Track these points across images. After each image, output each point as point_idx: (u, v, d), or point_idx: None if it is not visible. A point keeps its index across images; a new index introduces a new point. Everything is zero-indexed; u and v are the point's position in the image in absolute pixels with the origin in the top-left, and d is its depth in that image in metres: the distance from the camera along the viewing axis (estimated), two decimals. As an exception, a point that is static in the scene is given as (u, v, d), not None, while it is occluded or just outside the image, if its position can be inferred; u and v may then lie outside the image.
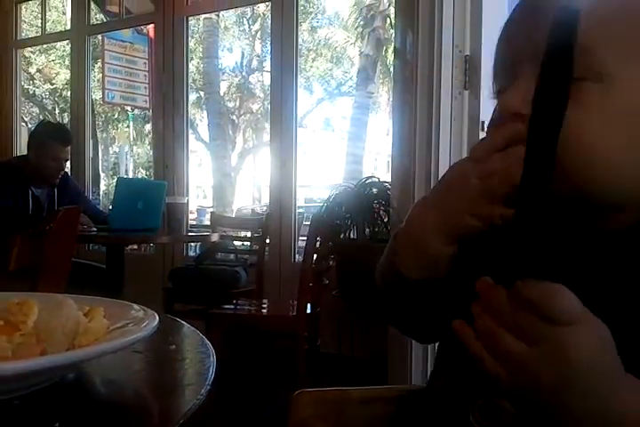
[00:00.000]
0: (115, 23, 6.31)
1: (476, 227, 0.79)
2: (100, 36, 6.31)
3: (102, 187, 11.56)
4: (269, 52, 5.26)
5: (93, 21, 6.51)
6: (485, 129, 2.79)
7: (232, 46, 16.72)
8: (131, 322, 0.80)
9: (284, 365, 3.50)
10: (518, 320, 0.61)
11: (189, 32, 5.70)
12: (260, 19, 15.64)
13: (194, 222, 9.30)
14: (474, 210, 0.78)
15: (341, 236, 4.03)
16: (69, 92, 6.70)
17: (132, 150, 14.06)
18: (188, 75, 5.63)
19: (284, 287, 4.55)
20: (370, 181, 4.39)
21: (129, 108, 9.91)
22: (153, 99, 6.05)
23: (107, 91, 6.18)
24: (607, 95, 0.76)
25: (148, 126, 13.16)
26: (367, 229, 4.08)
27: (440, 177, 0.88)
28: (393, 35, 3.59)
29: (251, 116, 17.20)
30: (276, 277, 4.67)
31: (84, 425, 0.62)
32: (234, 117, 16.72)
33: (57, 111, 14.33)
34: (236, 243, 5.15)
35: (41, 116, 13.74)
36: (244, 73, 16.66)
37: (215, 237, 4.17)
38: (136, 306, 0.87)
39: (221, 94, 15.52)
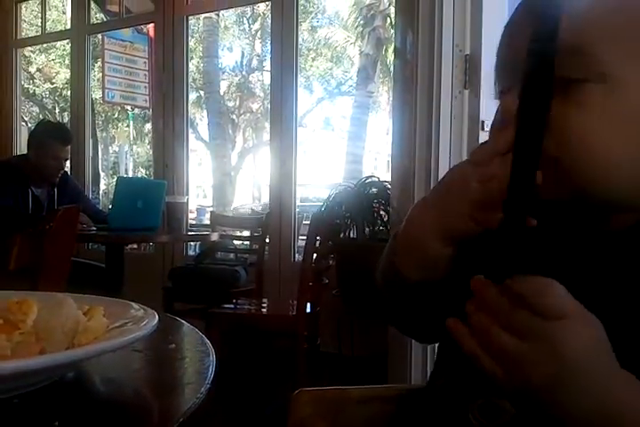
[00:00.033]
0: (115, 22, 6.31)
1: (475, 230, 0.79)
2: (100, 36, 6.30)
3: (102, 186, 11.56)
4: (269, 51, 5.26)
5: (93, 21, 6.51)
6: (486, 129, 2.79)
7: (232, 46, 16.74)
8: (130, 321, 0.80)
9: (283, 364, 3.50)
10: (511, 316, 0.61)
11: (189, 31, 5.70)
12: (260, 18, 15.65)
13: (194, 222, 9.30)
14: (473, 213, 0.78)
15: (341, 235, 4.03)
16: (69, 92, 6.70)
17: (131, 150, 14.07)
18: (187, 74, 5.62)
19: (284, 287, 4.55)
20: (370, 180, 4.39)
21: (129, 108, 9.92)
22: (153, 98, 6.05)
23: (107, 90, 6.18)
24: (609, 96, 0.76)
25: (148, 126, 13.16)
26: (367, 229, 4.08)
27: (440, 177, 0.88)
28: (393, 34, 3.59)
29: (251, 115, 17.20)
30: (275, 277, 4.67)
31: (83, 424, 0.62)
32: (234, 117, 16.72)
33: (57, 110, 14.33)
34: (236, 242, 5.15)
35: (41, 116, 13.74)
36: (243, 72, 16.67)
37: (215, 237, 4.17)
38: (135, 305, 0.87)
39: (221, 94, 15.52)
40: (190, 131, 6.03)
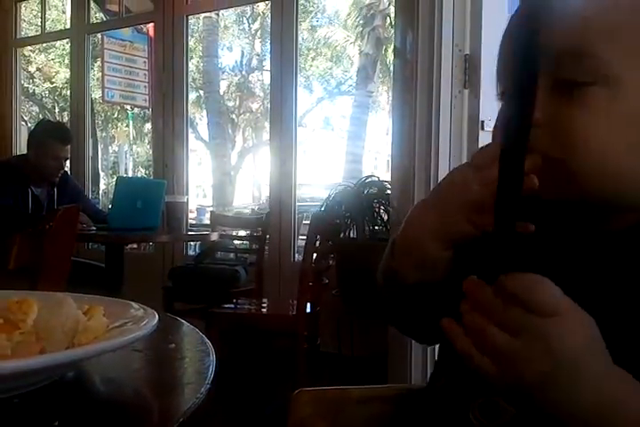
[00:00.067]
0: (114, 22, 6.31)
1: (473, 233, 0.79)
2: (99, 35, 6.30)
3: (102, 186, 11.56)
4: (269, 51, 5.26)
5: (93, 20, 6.51)
6: (486, 128, 2.79)
7: (232, 45, 16.72)
8: (130, 321, 0.80)
9: (283, 364, 3.50)
10: (504, 314, 0.61)
11: (189, 31, 5.70)
12: (259, 18, 15.63)
13: (193, 221, 9.29)
14: (471, 217, 0.78)
15: (341, 235, 4.03)
16: (69, 91, 6.69)
17: (131, 149, 14.06)
18: (187, 74, 5.62)
19: (284, 286, 4.55)
20: (369, 180, 4.40)
21: (128, 107, 9.92)
22: (153, 98, 6.05)
23: (106, 90, 6.18)
24: (614, 99, 0.76)
25: (148, 125, 13.15)
26: (367, 229, 4.08)
27: (440, 178, 0.88)
28: (393, 34, 3.59)
29: (250, 115, 17.19)
30: (275, 277, 4.67)
31: (83, 424, 0.62)
32: (233, 116, 16.71)
33: (57, 110, 14.32)
34: (236, 242, 5.15)
35: (41, 115, 13.73)
36: (243, 72, 16.66)
37: (215, 237, 4.17)
38: (135, 305, 0.87)
39: (221, 93, 15.52)
40: (190, 130, 6.03)
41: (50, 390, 0.68)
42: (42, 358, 0.64)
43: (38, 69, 14.03)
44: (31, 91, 13.89)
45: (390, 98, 8.96)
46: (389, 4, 12.32)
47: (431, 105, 2.83)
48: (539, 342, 0.60)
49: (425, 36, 2.83)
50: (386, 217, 4.11)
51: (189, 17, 5.66)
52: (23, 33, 7.17)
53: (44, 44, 10.39)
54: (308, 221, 3.57)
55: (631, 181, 0.78)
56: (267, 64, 12.56)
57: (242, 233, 5.07)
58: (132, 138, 13.80)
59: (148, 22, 5.99)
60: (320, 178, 13.36)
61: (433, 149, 2.82)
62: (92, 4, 6.41)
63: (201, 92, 14.53)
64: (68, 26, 6.96)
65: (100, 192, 10.81)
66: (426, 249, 0.84)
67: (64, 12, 10.43)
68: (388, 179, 3.67)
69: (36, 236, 2.57)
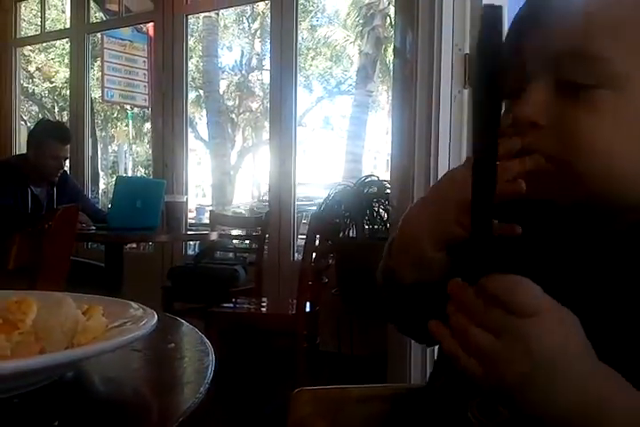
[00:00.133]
0: (114, 21, 6.32)
1: (461, 235, 0.79)
2: (99, 35, 6.30)
3: (101, 185, 11.54)
4: (269, 50, 5.26)
5: (93, 20, 6.51)
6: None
7: (231, 45, 16.71)
8: (129, 320, 0.80)
9: (283, 363, 3.50)
10: (486, 315, 0.62)
11: (189, 30, 5.70)
12: (259, 17, 15.63)
13: (193, 221, 9.29)
14: (459, 218, 0.78)
15: (341, 234, 4.03)
16: (69, 91, 6.69)
17: (131, 149, 14.05)
18: (187, 73, 5.62)
19: (284, 286, 4.55)
20: (369, 179, 4.40)
21: (128, 107, 9.91)
22: (152, 97, 6.05)
23: (106, 89, 6.18)
24: (621, 101, 0.76)
25: (148, 125, 13.15)
26: (366, 228, 4.09)
27: (439, 177, 0.88)
28: (392, 33, 3.59)
29: (250, 114, 17.18)
30: (275, 276, 4.67)
31: (83, 423, 0.62)
32: (233, 116, 16.71)
33: (56, 110, 14.31)
34: (235, 241, 5.15)
35: (40, 115, 13.72)
36: (243, 71, 16.65)
37: (214, 236, 4.17)
38: (135, 304, 0.87)
39: (221, 93, 15.51)
40: (190, 130, 6.03)
41: (49, 390, 0.68)
42: (41, 359, 0.64)
43: (38, 69, 14.02)
44: (31, 90, 13.88)
45: (390, 97, 8.97)
46: (389, 4, 12.32)
47: (431, 104, 2.83)
48: (518, 342, 0.60)
49: (425, 35, 2.83)
50: (385, 216, 4.12)
51: (189, 16, 5.67)
52: (23, 32, 7.17)
53: (44, 44, 10.39)
54: (308, 221, 3.56)
55: (637, 182, 0.78)
56: (266, 63, 12.55)
57: (241, 232, 5.08)
58: (131, 137, 13.80)
59: (148, 22, 5.99)
60: (320, 177, 13.36)
61: (432, 148, 2.82)
62: (92, 4, 6.41)
63: (201, 91, 14.52)
64: (67, 25, 6.96)
65: (100, 192, 10.79)
66: (421, 249, 0.84)
67: (64, 12, 10.42)
68: (388, 178, 3.68)
69: (35, 235, 2.57)
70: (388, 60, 13.33)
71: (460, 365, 0.63)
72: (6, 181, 4.08)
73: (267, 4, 5.49)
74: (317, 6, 15.94)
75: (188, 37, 5.72)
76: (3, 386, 0.63)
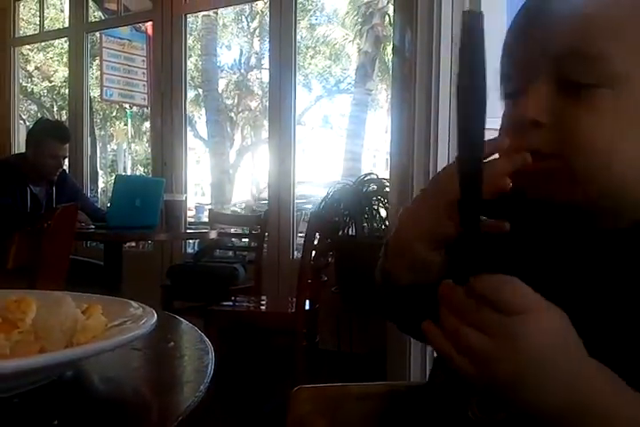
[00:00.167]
0: (113, 21, 6.31)
1: (452, 233, 0.79)
2: (98, 34, 6.30)
3: (100, 184, 11.51)
4: (268, 49, 5.26)
5: (91, 19, 6.51)
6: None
7: (230, 44, 16.68)
8: (129, 319, 0.80)
9: (282, 361, 3.50)
10: (476, 314, 0.62)
11: (188, 29, 5.69)
12: (258, 16, 15.60)
13: (192, 220, 9.29)
14: (452, 215, 0.78)
15: (340, 232, 4.03)
16: (67, 90, 6.69)
17: (130, 148, 14.03)
18: (186, 72, 5.62)
19: (283, 284, 4.55)
20: (368, 178, 4.40)
21: (127, 106, 9.89)
22: (151, 96, 6.04)
23: (105, 88, 6.18)
24: (621, 100, 0.76)
25: (147, 124, 13.12)
26: (366, 226, 4.09)
27: (429, 182, 0.88)
28: (392, 32, 3.59)
29: (249, 113, 17.16)
30: (274, 274, 4.67)
31: (82, 423, 0.62)
32: (232, 115, 16.68)
33: (55, 109, 14.30)
34: (235, 240, 5.14)
35: (39, 114, 13.71)
36: (242, 70, 16.62)
37: (213, 235, 4.16)
38: (134, 303, 0.87)
39: (220, 92, 15.49)
40: (189, 129, 6.03)
41: (49, 390, 0.68)
42: (41, 358, 0.64)
43: (37, 68, 14.00)
44: (30, 89, 13.86)
45: (389, 96, 8.97)
46: (388, 3, 12.31)
47: (430, 103, 2.83)
48: (507, 341, 0.61)
49: (424, 34, 2.83)
50: (385, 215, 4.12)
51: (188, 15, 5.66)
52: (21, 32, 7.16)
53: (43, 43, 10.38)
54: (307, 219, 3.56)
55: (636, 181, 0.78)
56: (265, 62, 12.54)
57: (240, 231, 5.07)
58: (130, 136, 13.77)
59: (147, 21, 5.98)
60: (319, 176, 13.35)
61: (432, 147, 2.82)
62: (91, 3, 6.41)
63: (200, 90, 14.51)
64: (66, 24, 6.95)
65: (99, 190, 10.78)
66: (414, 249, 0.84)
67: (62, 11, 10.40)
68: (387, 176, 3.68)
69: (34, 235, 2.57)
70: (387, 58, 13.30)
71: (453, 365, 0.64)
72: (5, 180, 4.08)
73: (265, 3, 5.49)
74: (316, 5, 15.92)
75: (187, 36, 5.71)
76: (3, 385, 0.63)
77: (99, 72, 6.26)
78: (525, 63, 0.81)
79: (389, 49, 11.31)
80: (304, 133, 15.23)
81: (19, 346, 0.67)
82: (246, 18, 16.15)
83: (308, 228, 3.28)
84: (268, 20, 5.39)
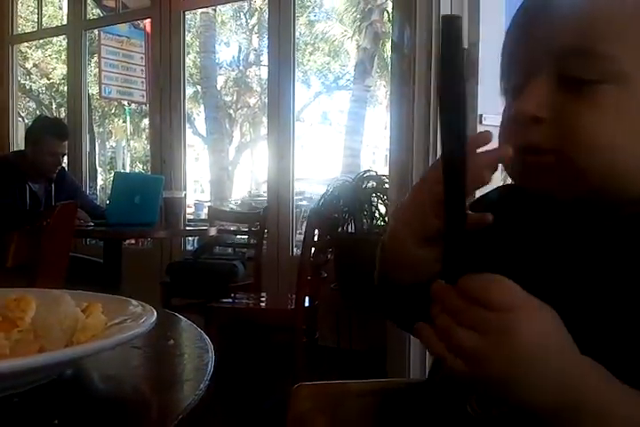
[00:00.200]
0: (111, 18, 6.30)
1: (439, 229, 0.79)
2: (96, 31, 6.30)
3: (99, 181, 11.50)
4: (267, 46, 5.25)
5: (90, 16, 6.50)
6: (484, 122, 2.78)
7: (229, 40, 16.66)
8: (129, 318, 0.80)
9: (282, 358, 3.50)
10: (467, 313, 0.62)
11: (186, 26, 5.68)
12: (257, 13, 15.58)
13: (191, 217, 9.28)
14: (437, 214, 0.77)
15: (339, 229, 4.03)
16: (66, 87, 6.69)
17: (129, 145, 14.02)
18: (184, 69, 5.61)
19: (283, 281, 4.56)
20: (367, 174, 4.40)
21: (126, 103, 9.89)
22: (150, 93, 6.04)
23: (103, 85, 6.18)
24: (623, 96, 0.76)
25: (145, 121, 13.09)
26: (365, 223, 4.09)
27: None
28: (390, 28, 3.59)
29: (248, 110, 17.15)
30: (274, 271, 4.68)
31: (83, 422, 0.62)
32: (231, 111, 16.67)
33: (54, 106, 14.29)
34: (234, 237, 5.14)
35: (38, 112, 13.70)
36: (241, 67, 16.61)
37: (213, 231, 4.17)
38: (134, 302, 0.87)
39: (218, 88, 15.48)
40: (187, 126, 6.03)
41: (49, 389, 0.68)
42: (42, 357, 0.64)
43: (35, 66, 13.99)
44: (28, 87, 13.84)
45: (388, 92, 8.96)
46: (387, -1, 12.31)
47: (429, 99, 2.83)
48: (498, 338, 0.61)
49: (422, 30, 2.83)
50: (384, 211, 4.12)
51: (186, 12, 5.65)
52: (20, 29, 7.14)
53: (41, 41, 10.35)
54: (307, 216, 3.56)
55: (638, 176, 0.78)
56: (264, 59, 12.53)
57: (240, 228, 5.07)
58: (129, 133, 13.76)
59: (145, 18, 5.98)
60: (318, 173, 13.34)
61: (431, 143, 2.82)
62: (89, 0, 6.40)
63: (198, 87, 14.49)
64: (64, 22, 6.95)
65: (98, 188, 10.78)
66: (407, 248, 0.83)
67: (60, 8, 10.41)
68: (386, 173, 3.68)
69: (33, 233, 2.56)
70: (386, 55, 13.29)
71: (447, 365, 0.64)
72: (4, 178, 4.08)
73: (264, 0, 5.48)
74: (315, 1, 15.90)
75: (186, 33, 5.71)
76: (2, 385, 0.63)
77: (97, 69, 6.26)
78: (526, 61, 0.81)
79: (388, 45, 11.29)
80: (303, 130, 15.22)
81: (18, 345, 0.67)
82: (245, 15, 16.13)
83: (307, 224, 3.28)
84: (266, 16, 5.39)
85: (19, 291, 0.85)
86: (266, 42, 5.54)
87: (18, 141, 6.43)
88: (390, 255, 0.89)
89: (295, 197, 5.20)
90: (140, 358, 0.87)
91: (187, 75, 5.76)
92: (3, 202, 3.92)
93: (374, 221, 4.12)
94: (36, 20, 7.18)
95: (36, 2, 7.00)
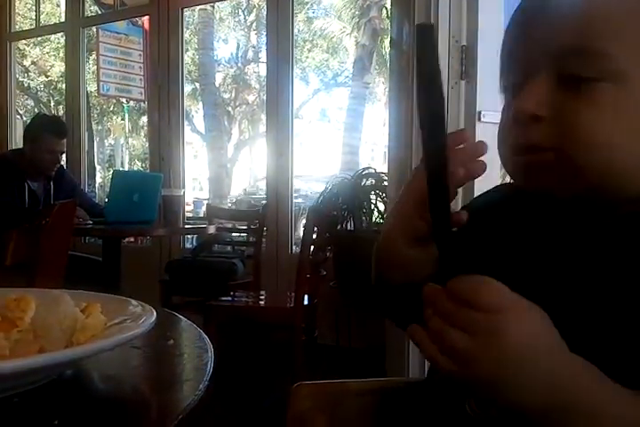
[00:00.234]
0: (109, 15, 6.29)
1: (425, 230, 0.79)
2: (94, 28, 6.29)
3: (98, 179, 11.51)
4: (265, 42, 5.25)
5: (88, 13, 6.49)
6: (482, 120, 2.78)
7: (227, 37, 16.64)
8: (128, 318, 0.80)
9: (281, 356, 3.50)
10: (457, 316, 0.62)
11: (184, 23, 5.68)
12: (255, 9, 15.57)
13: (190, 214, 9.28)
14: (423, 214, 0.77)
15: (338, 227, 4.03)
16: (64, 85, 6.69)
17: (127, 143, 14.01)
18: (183, 66, 5.61)
19: (282, 279, 4.56)
20: (366, 171, 4.40)
21: (124, 100, 9.88)
22: (148, 91, 6.04)
23: (102, 83, 6.17)
24: (622, 94, 0.76)
25: (144, 118, 13.08)
26: (364, 220, 4.08)
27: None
28: (389, 25, 3.59)
29: (246, 107, 17.14)
30: (273, 269, 4.67)
31: (83, 422, 0.62)
32: (229, 109, 16.66)
33: (52, 104, 14.28)
34: (233, 234, 5.14)
35: (36, 109, 13.70)
36: (239, 64, 16.60)
37: (212, 229, 4.17)
38: (134, 302, 0.87)
39: (217, 86, 15.47)
40: (186, 123, 6.03)
41: (49, 389, 0.68)
42: (41, 358, 0.64)
43: (33, 63, 13.98)
44: (26, 85, 13.83)
45: (387, 89, 8.96)
46: (385, -5, 12.29)
47: (428, 96, 2.82)
48: (486, 340, 0.61)
49: (421, 27, 2.82)
50: (383, 209, 4.11)
51: (184, 9, 5.65)
52: (18, 27, 7.14)
53: (39, 38, 10.36)
54: (305, 213, 3.56)
55: (636, 175, 0.78)
56: (263, 56, 12.53)
57: (239, 226, 5.07)
58: (127, 131, 13.76)
59: (143, 15, 5.98)
60: (317, 170, 13.34)
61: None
62: (87, -3, 6.39)
63: (197, 84, 14.48)
64: (62, 19, 6.95)
65: (97, 186, 10.79)
66: (399, 248, 0.84)
67: (58, 6, 10.38)
68: (385, 170, 3.67)
69: (32, 231, 2.56)
70: (384, 51, 13.27)
71: (439, 367, 0.64)
72: (3, 176, 4.08)
73: (262, -3, 5.48)
74: (313, -2, 15.90)
75: (184, 30, 5.71)
76: (2, 385, 0.62)
77: (95, 67, 6.25)
78: (525, 60, 0.81)
79: (387, 42, 11.29)
80: (302, 127, 15.21)
81: (18, 345, 0.67)
82: (243, 11, 16.12)
83: (306, 222, 3.28)
84: (264, 13, 5.38)
85: (18, 291, 0.84)
86: (264, 39, 5.53)
87: (16, 139, 6.43)
88: (384, 255, 0.90)
89: (298, 194, 5.21)
90: (140, 358, 0.87)
91: (185, 72, 5.76)
92: (1, 200, 3.92)
93: (373, 219, 4.12)
94: (33, 17, 7.19)
95: (34, -1, 7.01)
